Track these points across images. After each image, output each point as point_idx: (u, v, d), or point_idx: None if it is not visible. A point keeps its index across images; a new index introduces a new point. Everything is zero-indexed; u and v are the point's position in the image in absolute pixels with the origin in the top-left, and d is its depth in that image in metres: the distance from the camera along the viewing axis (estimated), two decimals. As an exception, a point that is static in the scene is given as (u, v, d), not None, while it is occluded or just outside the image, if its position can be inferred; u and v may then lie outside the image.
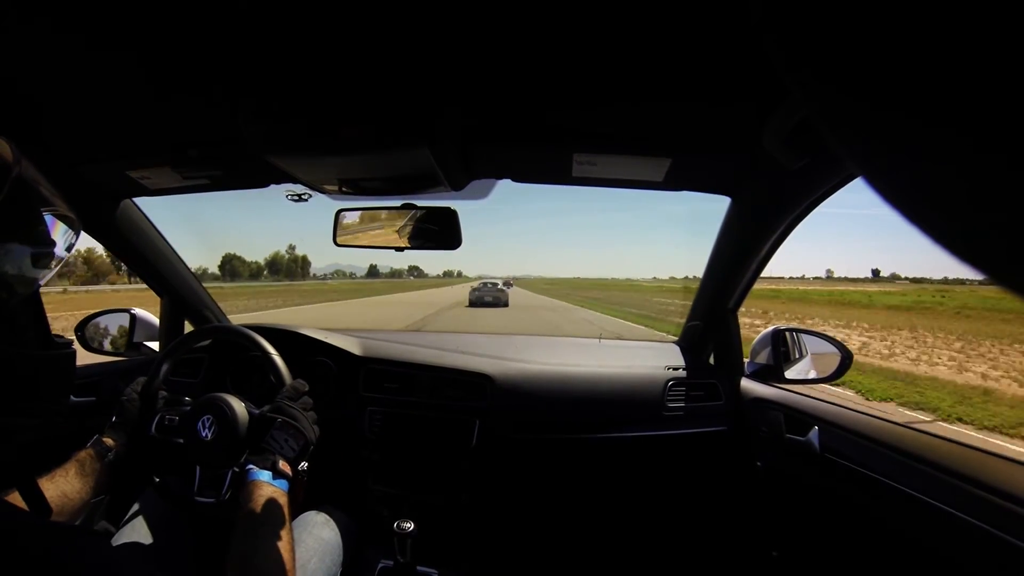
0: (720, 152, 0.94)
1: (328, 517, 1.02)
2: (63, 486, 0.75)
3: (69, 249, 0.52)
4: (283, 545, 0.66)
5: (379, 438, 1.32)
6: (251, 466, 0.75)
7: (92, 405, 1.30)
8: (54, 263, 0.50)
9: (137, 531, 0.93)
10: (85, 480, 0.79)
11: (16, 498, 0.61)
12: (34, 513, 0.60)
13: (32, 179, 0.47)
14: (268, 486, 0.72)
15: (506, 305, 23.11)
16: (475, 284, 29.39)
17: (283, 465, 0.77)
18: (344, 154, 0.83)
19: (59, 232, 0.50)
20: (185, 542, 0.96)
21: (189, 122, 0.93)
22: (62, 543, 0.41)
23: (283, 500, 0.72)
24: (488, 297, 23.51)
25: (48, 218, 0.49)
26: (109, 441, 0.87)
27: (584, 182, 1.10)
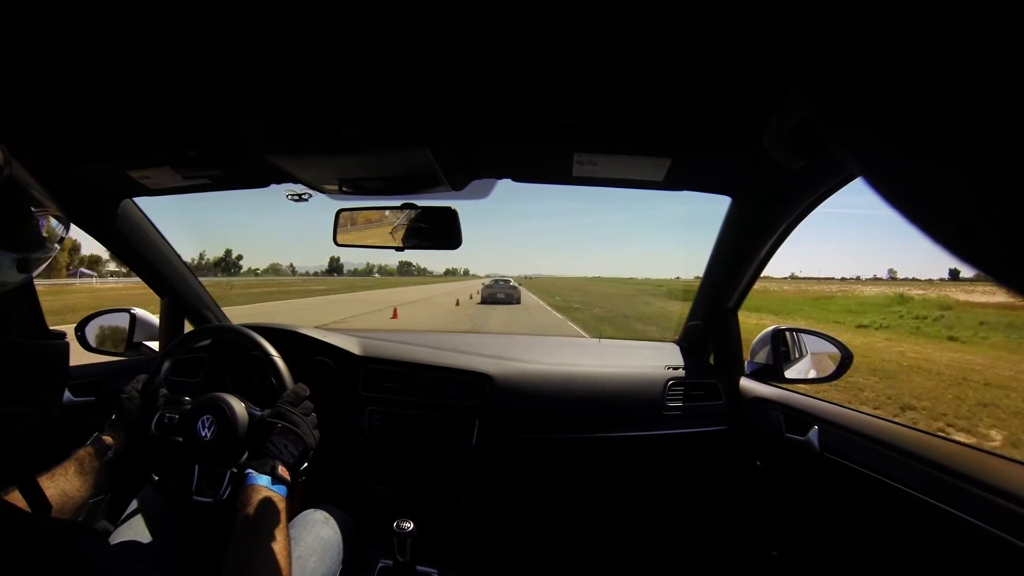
0: (720, 152, 0.94)
1: (328, 515, 1.02)
2: (63, 484, 0.75)
3: (59, 242, 0.54)
4: (280, 551, 0.66)
5: (379, 438, 1.32)
6: (250, 471, 0.75)
7: (92, 405, 1.30)
8: (44, 259, 0.52)
9: (135, 529, 0.93)
10: (85, 478, 0.79)
11: (16, 497, 0.61)
12: (34, 511, 0.60)
13: (23, 181, 0.48)
14: (266, 491, 0.72)
15: (518, 302, 22.95)
16: (487, 282, 29.46)
17: (282, 470, 0.77)
18: (344, 154, 0.83)
19: (49, 229, 0.52)
20: (183, 541, 0.96)
21: (189, 122, 0.93)
22: (61, 540, 0.41)
23: (281, 505, 0.72)
24: (501, 294, 23.47)
25: (39, 218, 0.50)
26: (109, 439, 0.87)
27: (584, 182, 1.10)
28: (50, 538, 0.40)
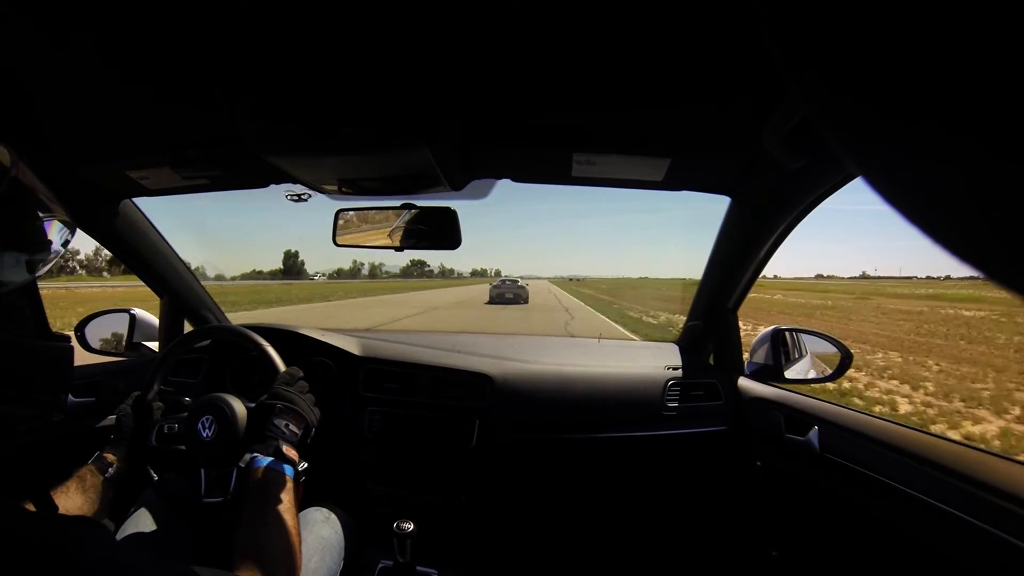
0: (720, 152, 0.94)
1: (328, 515, 1.02)
2: (65, 503, 0.76)
3: (65, 245, 0.54)
4: (289, 528, 0.66)
5: (379, 438, 1.32)
6: (255, 454, 0.76)
7: (91, 405, 1.30)
8: (48, 261, 0.52)
9: (139, 528, 0.93)
10: (86, 496, 0.80)
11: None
12: (39, 506, 0.60)
13: (29, 184, 0.48)
14: (272, 471, 0.73)
15: (526, 302, 24.18)
16: (495, 282, 30.97)
17: (287, 449, 0.77)
18: (343, 154, 0.83)
19: (55, 231, 0.52)
20: (186, 539, 0.97)
21: (188, 122, 0.93)
22: (65, 532, 0.41)
23: (288, 484, 0.73)
24: (509, 294, 25.05)
25: (45, 221, 0.51)
26: (110, 457, 0.87)
27: (584, 182, 1.10)
28: (52, 532, 0.40)
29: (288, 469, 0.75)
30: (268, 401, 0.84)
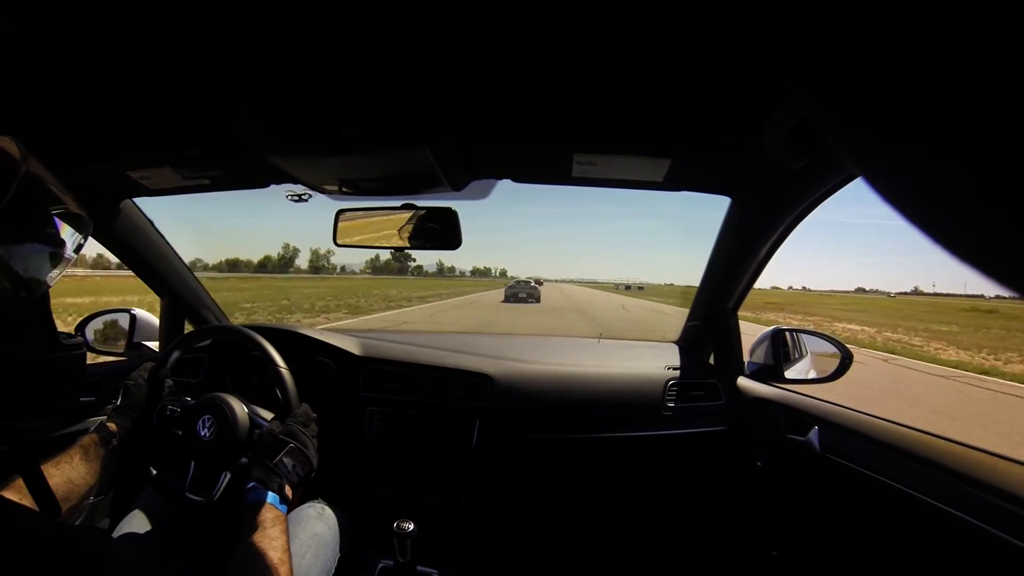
0: (720, 152, 0.94)
1: (322, 511, 1.02)
2: (68, 472, 0.75)
3: (78, 249, 0.52)
4: (283, 571, 0.67)
5: (379, 438, 1.32)
6: (256, 484, 0.76)
7: (92, 405, 1.30)
8: (63, 263, 0.50)
9: (136, 529, 0.93)
10: (90, 466, 0.79)
11: (20, 486, 0.61)
12: (41, 505, 0.60)
13: (40, 177, 0.47)
14: (273, 509, 0.74)
15: (538, 301, 27.09)
16: (510, 283, 34.52)
17: (287, 490, 0.78)
18: (344, 154, 0.84)
19: (67, 232, 0.50)
20: (182, 541, 0.96)
21: (189, 122, 0.93)
22: (78, 543, 0.41)
23: (284, 525, 0.74)
24: (522, 293, 28.42)
25: (58, 216, 0.49)
26: (113, 426, 0.87)
27: (584, 182, 1.11)
28: (67, 542, 0.40)
29: (284, 509, 0.76)
30: (283, 436, 0.84)
